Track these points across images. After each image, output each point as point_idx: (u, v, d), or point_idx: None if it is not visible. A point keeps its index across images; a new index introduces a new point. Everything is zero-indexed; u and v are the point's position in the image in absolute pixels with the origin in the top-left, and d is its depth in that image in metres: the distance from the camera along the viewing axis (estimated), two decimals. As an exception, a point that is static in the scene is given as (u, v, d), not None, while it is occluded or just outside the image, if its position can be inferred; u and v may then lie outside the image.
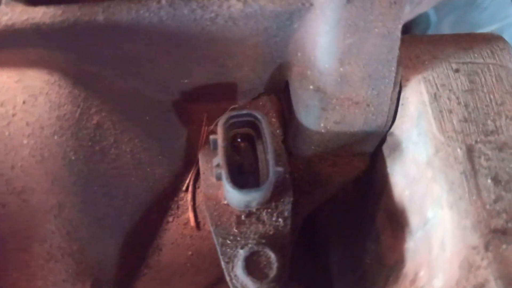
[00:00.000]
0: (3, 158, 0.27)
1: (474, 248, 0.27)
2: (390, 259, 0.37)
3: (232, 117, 0.32)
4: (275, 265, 0.30)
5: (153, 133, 0.34)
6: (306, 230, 0.39)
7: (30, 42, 0.27)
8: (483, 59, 0.32)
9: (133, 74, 0.31)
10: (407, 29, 0.97)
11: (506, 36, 1.04)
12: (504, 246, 0.27)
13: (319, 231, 0.44)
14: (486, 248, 0.27)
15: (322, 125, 0.32)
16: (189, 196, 0.35)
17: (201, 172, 0.34)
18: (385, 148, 0.37)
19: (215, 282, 0.33)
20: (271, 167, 0.30)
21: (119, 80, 0.31)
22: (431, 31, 0.95)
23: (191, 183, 0.35)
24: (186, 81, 0.33)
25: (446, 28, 1.00)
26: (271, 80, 0.34)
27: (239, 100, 0.37)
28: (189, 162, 0.36)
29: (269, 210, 0.33)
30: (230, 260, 0.31)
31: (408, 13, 0.60)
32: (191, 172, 0.35)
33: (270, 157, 0.30)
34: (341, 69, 0.30)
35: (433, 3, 0.77)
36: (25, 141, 0.27)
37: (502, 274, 0.26)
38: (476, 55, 0.32)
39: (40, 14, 0.26)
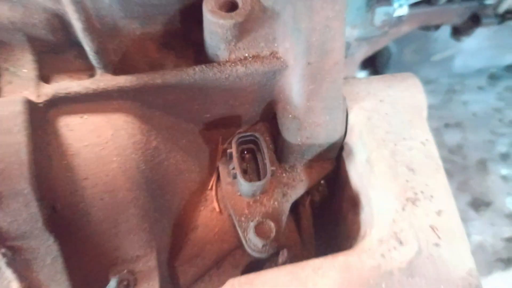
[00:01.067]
0: (101, 169, 0.43)
1: (396, 210, 0.43)
2: (353, 232, 0.53)
3: (240, 137, 0.48)
4: (274, 230, 0.46)
5: (188, 151, 0.50)
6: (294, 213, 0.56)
7: (114, 97, 0.44)
8: (400, 92, 0.49)
9: (175, 113, 0.48)
10: (372, 60, 1.15)
11: (457, 60, 1.26)
12: (413, 208, 0.43)
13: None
14: (403, 209, 0.43)
15: (298, 140, 0.48)
16: (213, 192, 0.51)
17: (221, 175, 0.50)
18: (344, 154, 0.54)
19: (234, 248, 0.49)
20: (268, 167, 0.46)
21: (166, 117, 0.47)
22: (392, 60, 1.14)
23: (214, 183, 0.52)
24: (208, 115, 0.50)
25: (406, 57, 1.19)
26: (264, 112, 0.51)
27: (242, 126, 0.54)
28: (212, 170, 0.52)
29: (268, 197, 0.49)
30: (245, 230, 0.47)
31: (362, 54, 0.77)
32: (214, 176, 0.52)
33: (267, 161, 0.47)
34: (308, 104, 0.46)
35: (392, 38, 0.95)
36: (114, 158, 0.43)
37: (411, 224, 0.43)
38: (395, 89, 0.50)
39: (122, 80, 0.43)
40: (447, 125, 1.24)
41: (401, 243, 0.42)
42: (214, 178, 0.51)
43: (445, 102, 1.28)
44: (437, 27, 0.90)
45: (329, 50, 0.43)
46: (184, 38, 0.50)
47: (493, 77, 1.34)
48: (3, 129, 0.37)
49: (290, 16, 0.42)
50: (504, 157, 1.22)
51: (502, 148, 1.24)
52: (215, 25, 0.41)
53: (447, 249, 0.42)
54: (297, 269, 0.41)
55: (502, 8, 0.84)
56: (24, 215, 0.37)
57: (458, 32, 0.87)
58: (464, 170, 1.12)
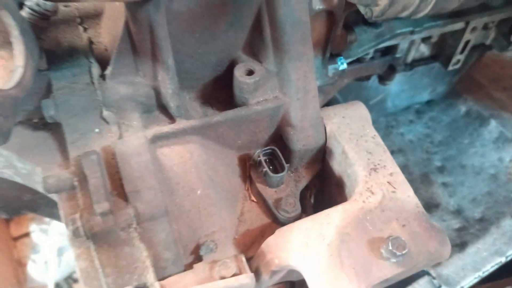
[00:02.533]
0: (185, 177, 0.68)
1: (365, 176, 0.72)
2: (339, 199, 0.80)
3: (263, 151, 0.76)
4: (297, 204, 0.72)
5: (228, 167, 0.77)
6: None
7: (188, 133, 0.70)
8: (353, 111, 0.80)
9: (220, 142, 0.75)
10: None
11: (388, 102, 1.68)
12: (375, 173, 0.72)
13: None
14: (370, 174, 0.72)
15: (298, 147, 0.77)
16: (249, 191, 0.78)
17: (253, 178, 0.77)
18: (326, 156, 0.82)
19: (268, 224, 0.75)
20: (284, 165, 0.74)
21: (216, 144, 0.75)
22: (342, 106, 1.49)
23: (249, 185, 0.78)
24: (239, 142, 0.78)
25: (351, 103, 1.55)
26: (273, 135, 0.80)
27: (262, 146, 0.82)
28: (244, 177, 0.79)
29: (285, 186, 0.75)
30: (276, 206, 0.73)
31: (322, 100, 1.10)
32: (247, 180, 0.78)
33: (283, 161, 0.74)
34: (301, 124, 0.75)
35: (338, 89, 1.29)
36: (192, 170, 0.69)
37: (376, 182, 0.71)
38: (350, 110, 0.80)
39: (192, 122, 0.70)
40: (392, 152, 1.61)
41: (372, 193, 0.69)
42: (248, 181, 0.78)
43: (386, 135, 1.64)
44: (368, 77, 1.26)
45: (308, 89, 0.73)
46: (215, 96, 0.79)
47: (419, 112, 1.73)
48: (137, 152, 0.63)
49: (284, 73, 0.73)
50: (440, 169, 1.57)
51: (437, 162, 1.59)
52: (243, 84, 0.71)
53: (400, 194, 0.70)
54: (315, 216, 0.67)
55: (409, 59, 1.22)
56: (153, 203, 0.62)
57: (382, 79, 1.23)
58: (412, 183, 1.49)
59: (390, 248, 0.61)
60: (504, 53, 1.46)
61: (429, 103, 1.72)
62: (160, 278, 0.63)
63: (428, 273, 1.24)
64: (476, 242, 1.30)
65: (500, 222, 1.35)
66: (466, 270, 1.24)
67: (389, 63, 1.15)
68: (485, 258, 1.27)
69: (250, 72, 0.71)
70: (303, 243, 0.64)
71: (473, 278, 1.23)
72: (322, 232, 0.65)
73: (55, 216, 1.10)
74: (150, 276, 0.62)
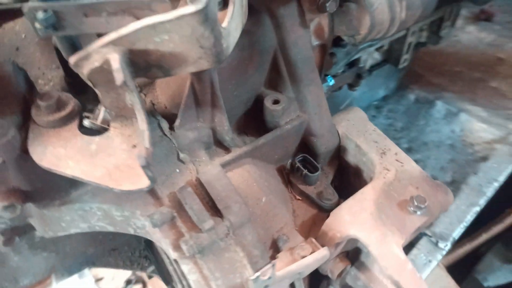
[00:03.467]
0: (250, 190, 0.87)
1: (378, 159, 0.94)
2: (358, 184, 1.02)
3: (297, 158, 0.97)
4: (335, 192, 0.94)
5: (274, 178, 0.97)
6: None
7: (243, 157, 0.90)
8: (354, 114, 1.04)
9: (264, 159, 0.95)
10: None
11: (354, 104, 1.96)
12: (384, 156, 0.95)
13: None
14: (381, 157, 0.95)
15: (321, 151, 0.98)
16: (292, 193, 0.98)
17: (293, 181, 0.97)
18: (341, 153, 1.05)
19: (316, 214, 0.95)
20: (318, 166, 0.95)
21: (262, 162, 0.94)
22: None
23: (291, 189, 0.98)
24: (276, 156, 0.98)
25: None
26: (299, 146, 1.01)
27: (291, 157, 1.02)
28: (286, 183, 0.99)
29: (320, 182, 0.97)
30: (319, 197, 0.93)
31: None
32: (288, 185, 0.98)
33: (315, 163, 0.95)
34: (320, 132, 0.98)
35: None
36: (254, 184, 0.88)
37: (387, 162, 0.94)
38: (352, 114, 1.04)
39: (245, 148, 0.90)
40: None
41: (388, 170, 0.92)
42: (289, 186, 0.98)
43: (358, 132, 1.91)
44: (340, 87, 1.52)
45: (321, 105, 0.96)
46: (247, 126, 0.99)
47: (378, 107, 2.02)
48: (218, 178, 0.81)
49: (301, 97, 0.95)
50: (408, 149, 1.85)
51: (404, 145, 1.87)
52: (274, 111, 0.92)
53: (407, 166, 0.93)
54: (353, 197, 0.88)
55: (367, 66, 1.50)
56: (240, 214, 0.80)
57: (352, 86, 1.49)
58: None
59: (416, 204, 0.84)
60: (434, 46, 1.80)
61: (384, 98, 2.02)
62: (255, 271, 0.80)
63: (425, 234, 1.49)
64: (454, 200, 1.58)
65: (467, 180, 1.65)
66: (453, 224, 1.51)
67: (356, 73, 1.41)
68: (464, 210, 1.55)
69: (276, 102, 0.93)
70: (353, 217, 0.85)
71: (460, 229, 1.50)
72: (363, 206, 0.86)
73: (110, 264, 1.23)
74: (248, 271, 0.79)
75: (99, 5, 0.55)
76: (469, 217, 1.52)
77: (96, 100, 0.73)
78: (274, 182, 0.94)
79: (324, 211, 0.94)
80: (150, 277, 1.60)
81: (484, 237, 2.00)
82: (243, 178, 0.88)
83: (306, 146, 1.00)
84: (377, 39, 0.98)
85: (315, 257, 0.77)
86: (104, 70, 0.59)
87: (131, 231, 0.88)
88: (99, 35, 0.61)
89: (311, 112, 0.95)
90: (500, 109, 1.94)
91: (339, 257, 0.90)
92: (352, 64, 1.40)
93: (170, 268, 0.98)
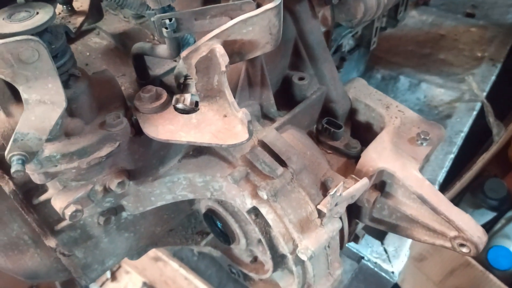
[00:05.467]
0: (298, 148, 1.11)
1: (385, 111, 1.21)
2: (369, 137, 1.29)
3: (324, 120, 1.22)
4: (357, 141, 1.20)
5: (308, 138, 1.22)
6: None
7: (286, 124, 1.13)
8: (358, 82, 1.31)
9: (297, 125, 1.19)
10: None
11: None
12: (388, 108, 1.22)
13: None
14: (387, 109, 1.22)
15: (340, 113, 1.24)
16: (323, 149, 1.23)
17: (322, 140, 1.22)
18: (353, 113, 1.31)
19: (346, 161, 1.20)
20: (341, 124, 1.21)
21: (297, 127, 1.19)
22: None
23: (321, 146, 1.23)
24: (306, 122, 1.23)
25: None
26: (320, 112, 1.26)
27: (315, 122, 1.27)
28: (316, 143, 1.24)
29: (343, 137, 1.22)
30: (347, 148, 1.19)
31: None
32: (319, 145, 1.23)
33: (339, 123, 1.21)
34: (337, 99, 1.24)
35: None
36: (298, 142, 1.12)
37: (392, 111, 1.21)
38: (355, 83, 1.31)
39: (287, 116, 1.13)
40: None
41: (396, 118, 1.20)
42: (319, 145, 1.23)
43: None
44: (327, 71, 1.80)
45: (335, 77, 1.22)
46: (277, 103, 1.23)
47: (353, 88, 2.32)
48: (276, 137, 1.04)
49: (319, 73, 1.20)
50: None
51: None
52: (302, 85, 1.17)
53: (407, 113, 1.21)
54: (374, 141, 1.15)
55: (346, 51, 1.79)
56: (299, 162, 1.04)
57: (337, 68, 1.78)
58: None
59: (422, 137, 1.12)
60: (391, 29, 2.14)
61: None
62: (316, 205, 1.04)
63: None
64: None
65: (439, 134, 1.98)
66: (436, 170, 1.83)
67: (340, 56, 1.70)
68: (442, 159, 1.88)
69: (302, 78, 1.18)
70: (378, 154, 1.11)
71: (442, 173, 1.82)
72: (384, 146, 1.13)
73: (169, 243, 1.41)
74: (310, 206, 1.03)
75: (205, 10, 0.78)
76: (447, 163, 1.84)
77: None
78: (310, 141, 1.19)
79: (352, 158, 1.20)
80: (199, 253, 1.78)
81: (458, 185, 2.36)
82: (290, 139, 1.11)
83: (326, 112, 1.25)
84: (367, 20, 1.27)
85: (361, 183, 1.02)
86: (208, 58, 0.82)
87: (208, 195, 1.09)
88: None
89: (328, 83, 1.21)
90: (451, 75, 2.31)
91: (371, 188, 1.15)
92: (336, 50, 1.69)
93: (235, 226, 1.19)
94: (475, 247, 1.02)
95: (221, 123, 0.88)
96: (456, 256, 2.21)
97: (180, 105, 0.93)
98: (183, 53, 0.81)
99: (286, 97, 1.21)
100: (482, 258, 2.35)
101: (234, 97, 1.07)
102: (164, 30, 0.77)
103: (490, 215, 2.56)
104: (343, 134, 1.23)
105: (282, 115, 1.16)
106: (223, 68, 0.80)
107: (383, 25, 1.91)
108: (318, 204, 1.03)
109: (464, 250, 1.04)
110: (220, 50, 0.79)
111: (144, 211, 1.08)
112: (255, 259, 1.34)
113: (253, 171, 1.02)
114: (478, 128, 2.13)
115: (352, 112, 1.29)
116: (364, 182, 1.03)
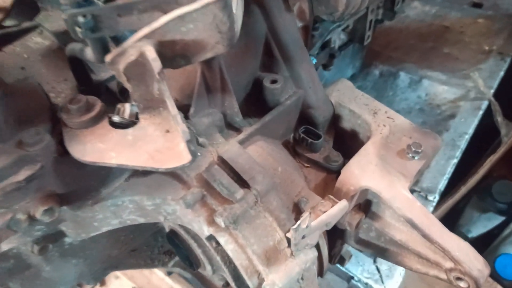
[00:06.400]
0: (268, 164, 0.95)
1: (372, 117, 1.05)
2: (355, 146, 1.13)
3: (301, 130, 1.06)
4: (339, 154, 1.04)
5: (283, 150, 1.06)
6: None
7: (254, 135, 0.98)
8: (342, 84, 1.14)
9: (271, 136, 1.03)
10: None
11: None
12: (376, 115, 1.06)
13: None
14: (374, 116, 1.06)
15: (320, 121, 1.08)
16: (300, 162, 1.07)
17: (300, 151, 1.06)
18: (336, 119, 1.15)
19: (326, 176, 1.04)
20: (320, 134, 1.05)
21: (269, 139, 1.03)
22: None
23: (298, 159, 1.07)
24: (280, 132, 1.07)
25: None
26: (298, 120, 1.10)
27: (292, 131, 1.11)
28: (293, 155, 1.08)
29: (324, 148, 1.06)
30: (327, 162, 1.03)
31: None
32: (295, 156, 1.07)
33: (318, 132, 1.05)
34: (316, 104, 1.07)
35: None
36: (268, 157, 0.96)
37: (379, 119, 1.05)
38: (339, 85, 1.14)
39: (255, 126, 0.98)
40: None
41: (384, 126, 1.03)
42: (296, 157, 1.07)
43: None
44: (316, 69, 1.63)
45: (314, 79, 1.06)
46: (248, 109, 1.07)
47: (348, 86, 2.15)
48: (239, 153, 0.89)
49: (295, 75, 1.04)
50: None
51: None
52: (274, 90, 1.01)
53: (397, 121, 1.05)
54: (358, 153, 0.98)
55: (336, 47, 1.62)
56: (265, 182, 0.88)
57: (326, 66, 1.61)
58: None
59: (414, 149, 0.95)
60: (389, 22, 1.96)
61: (352, 77, 2.16)
62: (285, 232, 0.89)
63: (414, 190, 1.62)
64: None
65: (441, 137, 1.81)
66: (436, 177, 1.66)
67: (329, 53, 1.53)
68: (444, 164, 1.70)
69: (274, 81, 1.02)
70: (361, 170, 0.95)
71: (444, 180, 1.65)
72: (368, 159, 0.97)
73: (132, 265, 1.27)
74: (279, 233, 0.87)
75: (130, 5, 0.62)
76: (449, 169, 1.67)
77: (108, 104, 0.79)
78: (284, 154, 1.03)
79: (333, 173, 1.04)
80: (169, 273, 1.64)
81: (463, 190, 2.18)
82: (258, 153, 0.96)
83: (305, 119, 1.09)
84: (353, 14, 1.10)
85: (338, 207, 0.86)
86: (139, 63, 0.66)
87: (161, 219, 0.94)
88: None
89: (306, 86, 1.04)
90: (456, 71, 2.12)
91: (354, 209, 0.99)
92: (324, 46, 1.52)
93: (198, 251, 1.04)
94: (474, 282, 0.86)
95: (162, 140, 0.72)
96: None
97: (116, 118, 0.77)
98: (107, 57, 0.66)
99: (258, 103, 1.05)
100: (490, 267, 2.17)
101: (191, 105, 0.92)
102: (77, 29, 0.61)
103: (498, 220, 2.38)
104: (323, 144, 1.07)
105: (253, 123, 1.00)
106: (156, 76, 0.64)
107: (379, 17, 1.73)
108: (289, 231, 0.87)
109: (462, 285, 0.88)
110: (151, 54, 0.64)
111: (88, 237, 0.93)
112: (227, 283, 1.19)
113: (210, 193, 0.86)
114: (484, 128, 1.95)
115: (336, 118, 1.12)
116: (341, 206, 0.87)
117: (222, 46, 0.73)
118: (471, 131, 1.82)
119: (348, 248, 1.21)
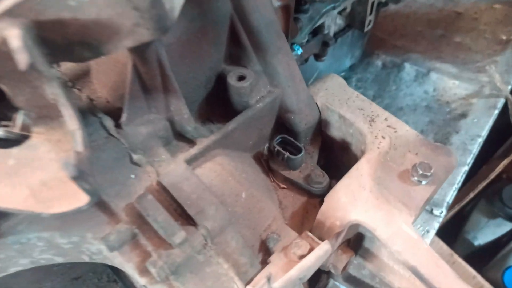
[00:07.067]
0: (227, 186, 0.72)
1: (368, 127, 0.82)
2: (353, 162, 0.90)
3: (276, 140, 0.83)
4: (324, 174, 0.80)
5: (252, 167, 0.83)
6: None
7: (211, 148, 0.75)
8: (332, 81, 0.91)
9: (237, 147, 0.80)
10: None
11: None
12: (374, 123, 0.83)
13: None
14: (370, 125, 0.82)
15: (302, 128, 0.85)
16: (275, 182, 0.84)
17: (275, 168, 0.83)
18: (323, 128, 0.91)
19: (306, 201, 0.81)
20: (300, 146, 0.81)
21: (235, 151, 0.80)
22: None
23: (273, 177, 0.84)
24: (251, 142, 0.83)
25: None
26: (275, 127, 0.87)
27: (267, 141, 0.88)
28: (266, 171, 0.85)
29: (306, 164, 0.83)
30: (307, 182, 0.80)
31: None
32: (270, 173, 0.84)
33: (297, 144, 0.82)
34: (297, 107, 0.84)
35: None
36: (229, 178, 0.73)
37: (379, 129, 0.82)
38: (329, 82, 0.91)
39: (212, 137, 0.75)
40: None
41: (383, 138, 0.80)
42: (270, 174, 0.84)
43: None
44: (306, 60, 1.38)
45: (294, 75, 0.82)
46: (211, 113, 0.84)
47: (346, 78, 1.90)
48: (185, 177, 0.66)
49: (270, 69, 0.80)
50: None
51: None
52: (241, 89, 0.77)
53: (400, 131, 0.81)
54: (347, 175, 0.75)
55: (331, 33, 1.37)
56: (218, 216, 0.65)
57: (318, 56, 1.36)
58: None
59: (421, 172, 0.71)
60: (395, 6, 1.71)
61: (351, 68, 1.91)
62: (246, 283, 0.66)
63: (418, 204, 1.39)
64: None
65: (450, 140, 1.57)
66: (444, 188, 1.42)
67: (322, 41, 1.28)
68: (453, 173, 1.46)
69: (242, 78, 0.78)
70: (351, 198, 0.72)
71: (452, 192, 1.41)
72: (360, 183, 0.73)
73: (75, 296, 1.05)
74: (237, 284, 0.65)
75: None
76: (459, 178, 1.43)
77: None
78: (253, 173, 0.79)
79: (316, 197, 0.81)
80: None
81: (471, 196, 1.95)
82: (216, 173, 0.73)
83: (283, 126, 0.86)
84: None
85: (315, 255, 0.64)
86: (3, 54, 0.42)
87: (86, 259, 0.71)
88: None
89: (283, 85, 0.80)
90: (468, 63, 1.87)
91: (341, 248, 0.77)
92: (316, 32, 1.27)
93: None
94: None
95: (55, 167, 0.50)
96: (466, 277, 1.86)
97: (1, 132, 0.54)
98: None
99: (223, 105, 0.81)
100: (497, 279, 1.98)
101: (123, 110, 0.69)
102: None
103: (508, 226, 2.19)
104: (305, 160, 0.84)
105: (210, 133, 0.77)
106: (23, 66, 0.41)
107: (382, 0, 1.47)
108: (250, 281, 0.65)
109: None
110: (14, 41, 0.40)
111: None
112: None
113: (144, 231, 0.64)
114: (497, 125, 1.70)
115: (323, 126, 0.89)
116: (321, 252, 0.64)
117: (147, 30, 0.49)
118: (484, 133, 1.58)
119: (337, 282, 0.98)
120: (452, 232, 2.18)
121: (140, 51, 0.61)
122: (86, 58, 0.51)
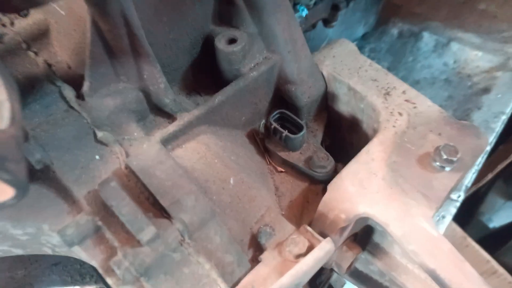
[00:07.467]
0: (212, 170, 0.61)
1: (382, 102, 0.69)
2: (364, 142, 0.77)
3: (273, 116, 0.71)
4: (329, 156, 0.68)
5: (244, 147, 0.71)
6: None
7: (195, 125, 0.63)
8: (341, 48, 0.78)
9: (227, 124, 0.68)
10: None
11: None
12: (390, 96, 0.70)
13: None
14: (386, 100, 0.70)
15: (304, 101, 0.72)
16: (272, 164, 0.72)
17: (271, 149, 0.71)
18: (329, 102, 0.79)
19: (307, 188, 0.70)
20: (301, 123, 0.69)
21: (224, 128, 0.68)
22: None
23: (269, 158, 0.72)
24: (243, 118, 0.71)
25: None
26: (273, 100, 0.75)
27: (264, 116, 0.76)
28: (261, 152, 0.73)
29: (307, 145, 0.71)
30: (309, 166, 0.68)
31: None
32: (266, 154, 0.73)
33: (297, 120, 0.69)
34: (299, 77, 0.71)
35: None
36: (215, 161, 0.62)
37: (395, 104, 0.69)
38: (337, 48, 0.78)
39: (195, 112, 0.63)
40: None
41: (400, 114, 0.67)
42: (266, 155, 0.72)
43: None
44: (314, 26, 1.24)
45: (296, 38, 0.69)
46: (199, 83, 0.72)
47: (359, 48, 1.75)
48: (158, 161, 0.54)
49: (267, 30, 0.67)
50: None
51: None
52: (231, 54, 0.64)
53: (421, 107, 0.69)
54: (356, 159, 0.63)
55: (344, -5, 1.22)
56: (198, 208, 0.54)
57: (328, 22, 1.22)
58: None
59: (445, 157, 0.59)
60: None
61: (364, 36, 1.75)
62: (232, 285, 0.56)
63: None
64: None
65: (471, 117, 1.43)
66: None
67: (331, 4, 1.14)
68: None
69: (233, 41, 0.65)
70: (359, 187, 0.60)
71: (472, 174, 1.29)
72: (371, 170, 0.61)
73: (55, 283, 0.96)
74: (221, 286, 0.55)
75: None
76: (480, 159, 1.30)
77: None
78: (245, 154, 0.68)
79: (318, 183, 0.69)
80: None
81: (489, 177, 1.82)
82: (199, 156, 0.61)
83: (282, 100, 0.73)
84: None
85: (315, 256, 0.53)
86: None
87: (49, 251, 0.61)
88: None
89: (282, 50, 0.68)
90: (493, 33, 1.70)
91: (346, 244, 0.66)
92: (325, -7, 1.12)
93: None
94: None
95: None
96: (479, 261, 1.78)
97: None
98: None
99: (213, 73, 0.69)
100: (512, 264, 1.89)
101: (84, 78, 0.57)
102: None
103: (525, 209, 2.06)
104: (307, 139, 0.71)
105: (194, 106, 0.65)
106: None
107: (401, -42, 1.30)
108: (237, 283, 0.55)
109: None
110: None
111: None
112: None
113: (109, 223, 0.53)
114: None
115: (329, 99, 0.76)
116: (321, 253, 0.53)
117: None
118: (509, 110, 1.43)
119: (340, 275, 0.88)
120: (466, 214, 2.07)
121: (99, 4, 0.48)
122: (21, 7, 0.39)
